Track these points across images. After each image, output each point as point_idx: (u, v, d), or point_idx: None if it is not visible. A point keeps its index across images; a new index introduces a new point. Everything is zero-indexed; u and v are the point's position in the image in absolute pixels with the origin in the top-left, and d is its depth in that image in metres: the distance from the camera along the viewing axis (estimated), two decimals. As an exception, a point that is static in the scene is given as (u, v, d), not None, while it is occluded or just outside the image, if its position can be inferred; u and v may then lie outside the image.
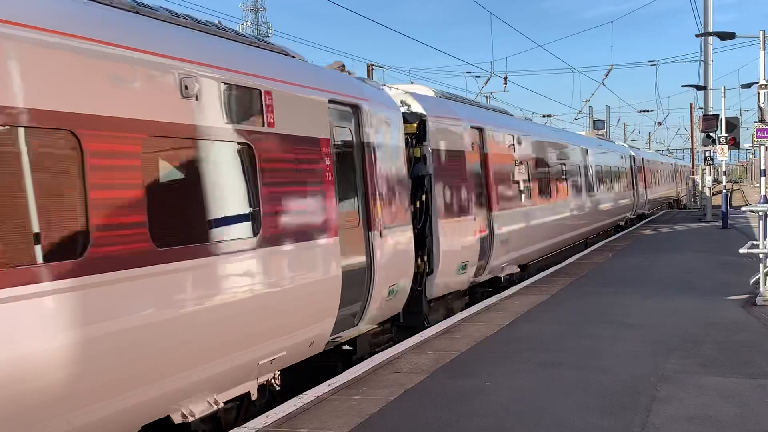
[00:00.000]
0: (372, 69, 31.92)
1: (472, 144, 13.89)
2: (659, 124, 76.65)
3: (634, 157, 35.85)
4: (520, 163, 16.69)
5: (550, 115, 54.37)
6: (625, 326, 10.84)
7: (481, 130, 14.45)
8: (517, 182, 16.33)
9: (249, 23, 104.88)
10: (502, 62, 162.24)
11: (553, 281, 15.66)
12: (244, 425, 6.94)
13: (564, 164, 20.94)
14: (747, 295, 13.03)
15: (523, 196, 16.61)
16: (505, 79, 39.32)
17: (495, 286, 15.11)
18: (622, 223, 32.26)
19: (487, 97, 42.33)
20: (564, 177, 20.78)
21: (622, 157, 32.37)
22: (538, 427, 6.63)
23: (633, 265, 18.02)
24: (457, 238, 12.80)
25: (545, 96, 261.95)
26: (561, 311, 12.17)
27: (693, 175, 51.57)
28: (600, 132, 43.43)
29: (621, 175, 31.37)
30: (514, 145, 16.28)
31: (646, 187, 39.21)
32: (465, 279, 13.46)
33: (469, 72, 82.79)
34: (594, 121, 53.77)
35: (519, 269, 16.35)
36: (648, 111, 67.84)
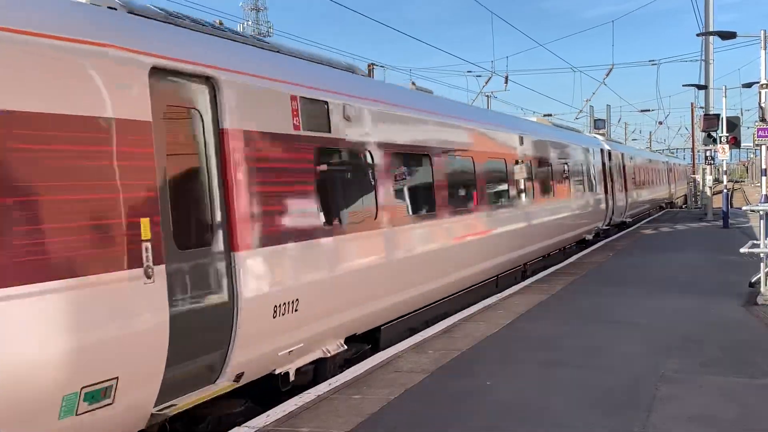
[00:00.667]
0: (373, 68, 31.91)
1: (166, 108, 6.68)
2: (660, 123, 76.85)
3: (609, 153, 28.52)
4: (355, 155, 9.76)
5: (550, 114, 54.35)
6: (626, 326, 10.84)
7: (211, 80, 7.22)
8: (340, 187, 9.63)
9: (250, 23, 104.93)
10: (503, 61, 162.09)
11: (554, 281, 15.64)
12: (244, 424, 6.94)
13: (471, 160, 13.62)
14: (748, 295, 13.03)
15: (351, 213, 9.59)
16: (506, 78, 39.36)
17: (269, 389, 8.06)
18: (589, 236, 24.57)
19: (488, 96, 42.34)
20: (468, 179, 13.48)
21: (589, 152, 24.65)
22: (538, 426, 6.63)
23: (633, 265, 18.01)
24: (54, 332, 5.43)
25: (546, 95, 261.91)
26: (561, 310, 12.17)
27: (694, 174, 51.34)
28: (586, 127, 41.89)
29: (586, 174, 23.80)
30: (341, 119, 9.28)
31: (626, 190, 31.60)
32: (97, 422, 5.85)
33: (470, 71, 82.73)
34: (595, 120, 53.83)
35: (344, 346, 9.30)
36: (649, 110, 68.42)
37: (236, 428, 6.85)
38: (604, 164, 26.94)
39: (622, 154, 31.88)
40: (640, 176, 37.17)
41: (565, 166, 21.06)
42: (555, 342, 9.87)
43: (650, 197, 41.74)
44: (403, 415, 7.00)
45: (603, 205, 26.29)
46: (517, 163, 16.57)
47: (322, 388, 7.96)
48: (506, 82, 39.49)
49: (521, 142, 17.09)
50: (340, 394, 7.72)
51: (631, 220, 32.93)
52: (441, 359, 9.05)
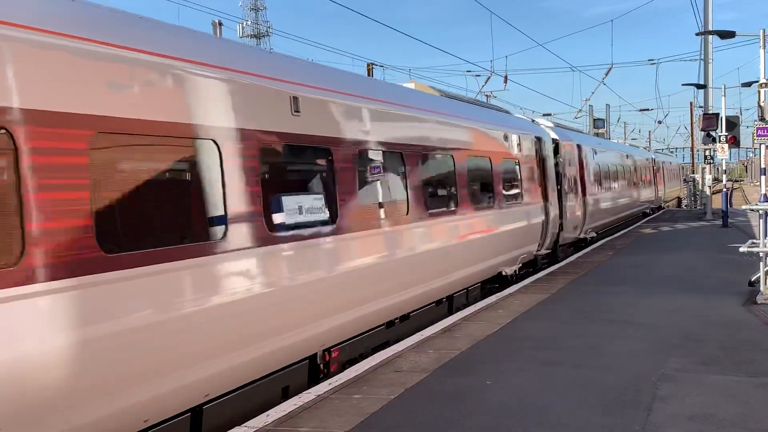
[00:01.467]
0: (372, 68, 31.96)
1: None
2: (659, 122, 76.90)
3: (557, 144, 20.65)
4: None
5: (550, 114, 54.43)
6: (626, 325, 10.83)
7: None
8: None
9: (249, 22, 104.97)
10: (502, 61, 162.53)
11: (554, 280, 15.64)
12: (244, 424, 6.93)
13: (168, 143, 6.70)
14: (748, 294, 13.03)
15: None
16: (505, 77, 39.38)
17: None
18: (509, 270, 15.91)
19: (487, 96, 42.38)
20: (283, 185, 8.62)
21: (511, 140, 16.26)
22: (538, 425, 6.63)
23: (633, 264, 18.00)
24: None
25: (546, 95, 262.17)
26: (561, 310, 12.17)
27: (693, 173, 51.09)
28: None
29: (506, 174, 15.66)
30: None
31: (585, 195, 23.65)
32: None
33: (470, 71, 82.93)
34: (594, 119, 53.95)
35: None
36: (648, 110, 68.37)
37: (236, 428, 6.84)
38: (543, 159, 18.85)
39: (579, 147, 23.61)
40: (611, 176, 29.20)
41: (460, 162, 13.02)
42: (555, 341, 9.87)
43: (627, 202, 33.45)
44: (403, 415, 6.99)
45: (539, 219, 17.86)
46: (324, 153, 9.16)
47: (322, 388, 7.96)
48: (505, 82, 39.52)
49: (366, 120, 10.00)
50: (339, 393, 7.72)
51: (595, 234, 25.24)
52: (441, 358, 9.04)
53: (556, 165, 20.38)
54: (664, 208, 47.50)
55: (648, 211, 40.93)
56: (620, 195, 31.23)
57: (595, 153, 26.33)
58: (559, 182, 20.43)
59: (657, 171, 46.43)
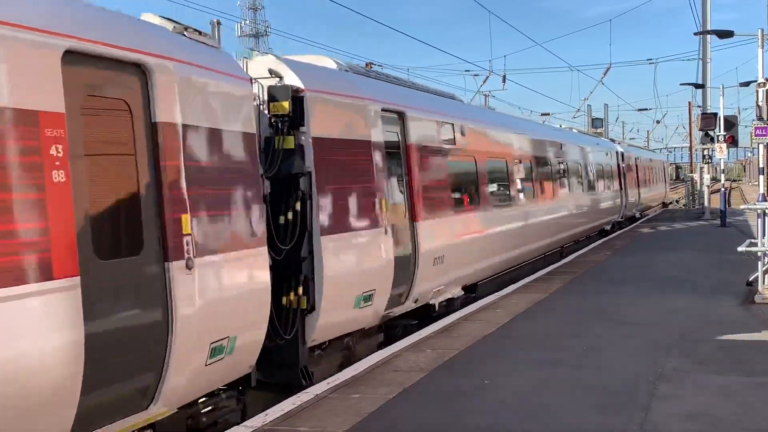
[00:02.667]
0: (371, 67, 31.98)
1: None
2: (658, 122, 76.93)
3: (299, 101, 8.54)
4: None
5: (548, 114, 54.41)
6: (624, 324, 10.84)
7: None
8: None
9: (248, 22, 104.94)
10: (500, 60, 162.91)
11: (552, 280, 15.64)
12: (242, 424, 6.94)
13: None
14: (746, 293, 13.04)
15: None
16: (503, 77, 39.36)
17: None
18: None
19: (486, 95, 42.41)
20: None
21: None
22: (536, 425, 6.63)
23: (632, 264, 18.01)
24: None
25: (544, 94, 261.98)
26: (560, 309, 12.17)
27: (692, 173, 50.87)
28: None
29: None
30: None
31: (416, 220, 10.85)
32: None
33: (468, 70, 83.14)
34: (592, 119, 53.96)
35: None
36: (646, 109, 68.43)
37: (234, 428, 6.85)
38: (151, 144, 6.16)
39: (402, 118, 11.10)
40: (513, 179, 16.14)
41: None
42: (553, 341, 9.87)
43: (554, 221, 19.27)
44: (401, 415, 7.00)
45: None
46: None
47: (320, 387, 7.96)
48: (504, 81, 39.49)
49: None
50: (338, 393, 7.72)
51: (463, 292, 13.23)
52: (439, 358, 9.04)
53: (298, 153, 8.73)
54: (639, 218, 35.66)
55: (608, 227, 28.59)
56: (535, 211, 17.59)
57: (462, 133, 13.36)
58: (303, 197, 8.72)
59: (628, 170, 32.32)
